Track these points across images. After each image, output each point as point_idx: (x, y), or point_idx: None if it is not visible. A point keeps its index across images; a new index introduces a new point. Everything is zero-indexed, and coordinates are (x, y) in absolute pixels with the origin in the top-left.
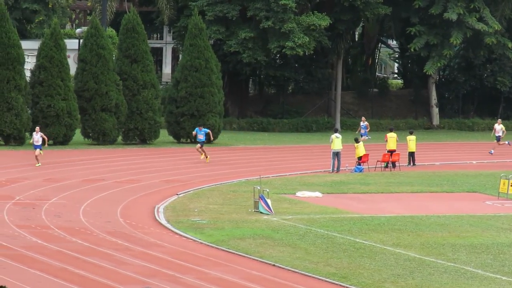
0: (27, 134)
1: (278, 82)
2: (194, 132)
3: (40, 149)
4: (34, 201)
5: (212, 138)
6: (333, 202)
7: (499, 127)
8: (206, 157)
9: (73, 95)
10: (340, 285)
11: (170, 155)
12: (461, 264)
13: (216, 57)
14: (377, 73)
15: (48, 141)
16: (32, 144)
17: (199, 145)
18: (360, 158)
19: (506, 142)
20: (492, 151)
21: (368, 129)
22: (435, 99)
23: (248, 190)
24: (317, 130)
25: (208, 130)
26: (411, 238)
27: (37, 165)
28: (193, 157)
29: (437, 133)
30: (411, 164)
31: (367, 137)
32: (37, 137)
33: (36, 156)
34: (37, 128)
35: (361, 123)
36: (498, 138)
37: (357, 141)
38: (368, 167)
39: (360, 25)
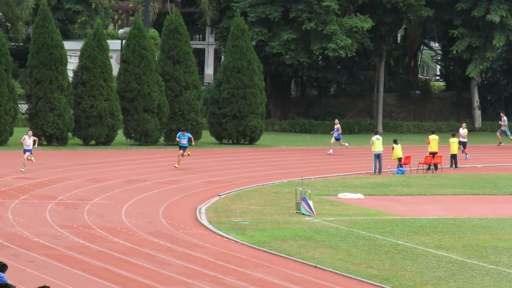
0: (69, 134)
1: (320, 83)
2: (177, 138)
3: (31, 153)
4: (76, 201)
5: (193, 143)
6: (375, 204)
7: (463, 131)
8: (177, 163)
9: (116, 95)
10: (382, 287)
11: (212, 156)
12: (503, 267)
13: (258, 58)
14: (419, 75)
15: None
16: (23, 148)
17: (181, 151)
18: (400, 159)
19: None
20: (467, 157)
21: (340, 132)
22: (477, 101)
23: (290, 191)
24: (359, 132)
25: (190, 135)
26: (453, 240)
27: (21, 169)
28: (235, 158)
29: (479, 136)
30: (453, 166)
31: (345, 144)
32: (30, 141)
33: (24, 160)
34: (30, 132)
35: (334, 126)
36: (464, 144)
37: (395, 142)
38: (410, 169)
39: (403, 27)
